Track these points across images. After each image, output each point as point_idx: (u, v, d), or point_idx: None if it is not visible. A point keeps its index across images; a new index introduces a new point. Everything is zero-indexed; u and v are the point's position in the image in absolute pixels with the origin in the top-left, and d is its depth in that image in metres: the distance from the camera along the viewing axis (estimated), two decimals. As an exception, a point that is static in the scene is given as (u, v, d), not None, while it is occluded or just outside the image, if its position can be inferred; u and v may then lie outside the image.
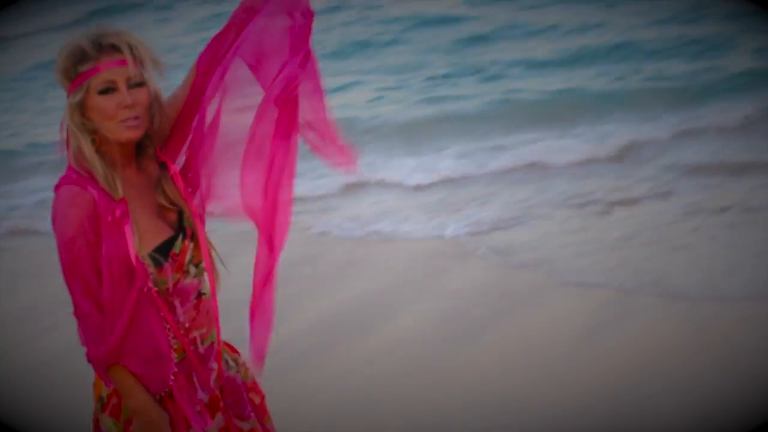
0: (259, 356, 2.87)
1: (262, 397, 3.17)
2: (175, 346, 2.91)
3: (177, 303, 2.91)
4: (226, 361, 3.09)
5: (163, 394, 2.90)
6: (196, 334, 2.96)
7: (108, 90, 2.80)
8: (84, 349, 2.88)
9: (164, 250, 2.87)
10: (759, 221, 7.10)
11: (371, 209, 8.34)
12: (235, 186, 2.87)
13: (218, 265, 2.99)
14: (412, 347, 5.79)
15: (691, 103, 10.10)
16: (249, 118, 2.87)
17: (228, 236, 6.11)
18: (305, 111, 2.87)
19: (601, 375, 5.27)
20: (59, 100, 3.09)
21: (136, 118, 2.81)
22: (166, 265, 2.86)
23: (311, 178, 9.11)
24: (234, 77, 2.88)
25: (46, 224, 7.14)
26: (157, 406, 2.88)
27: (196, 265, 2.94)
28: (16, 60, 15.98)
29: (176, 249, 2.89)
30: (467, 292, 6.44)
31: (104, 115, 2.80)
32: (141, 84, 2.82)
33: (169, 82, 3.00)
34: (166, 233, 2.89)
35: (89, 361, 2.85)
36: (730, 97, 10.09)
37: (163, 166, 2.92)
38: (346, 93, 11.91)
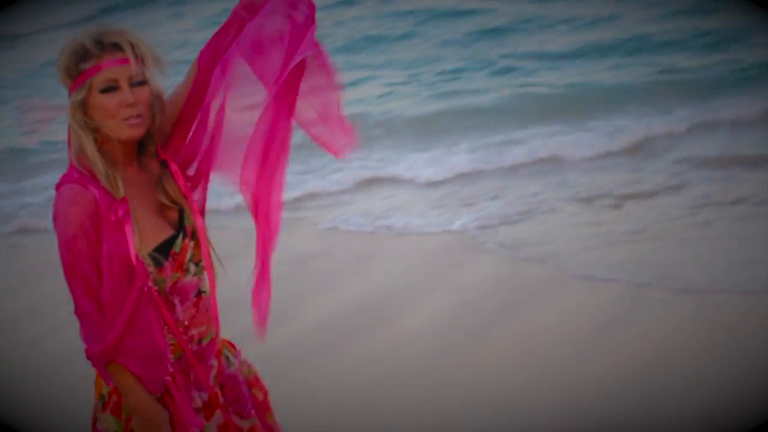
0: (262, 318, 2.88)
1: (265, 393, 3.16)
2: (173, 345, 2.91)
3: (177, 301, 2.91)
4: (227, 358, 3.09)
5: (162, 392, 2.91)
6: (195, 332, 2.96)
7: (110, 88, 2.80)
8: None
9: (164, 249, 2.87)
10: (772, 214, 7.08)
11: (383, 204, 8.34)
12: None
13: (216, 264, 2.99)
14: (423, 342, 5.79)
15: (705, 96, 10.06)
16: (253, 115, 2.88)
17: (238, 234, 6.13)
18: (311, 85, 2.89)
19: (612, 369, 5.26)
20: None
21: (138, 116, 2.81)
22: (166, 265, 2.87)
23: (323, 174, 9.13)
24: (236, 75, 2.88)
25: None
26: (156, 404, 2.88)
27: (197, 264, 2.94)
28: (29, 57, 16.03)
29: (176, 248, 2.89)
30: (479, 286, 6.43)
31: (106, 113, 2.80)
32: (143, 82, 2.83)
33: (179, 78, 3.01)
34: (166, 232, 2.89)
35: (88, 357, 2.86)
36: (744, 90, 10.06)
37: (164, 164, 2.92)
38: (358, 88, 11.90)
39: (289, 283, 6.62)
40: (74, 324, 2.89)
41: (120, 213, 2.77)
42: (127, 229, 2.78)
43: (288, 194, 8.63)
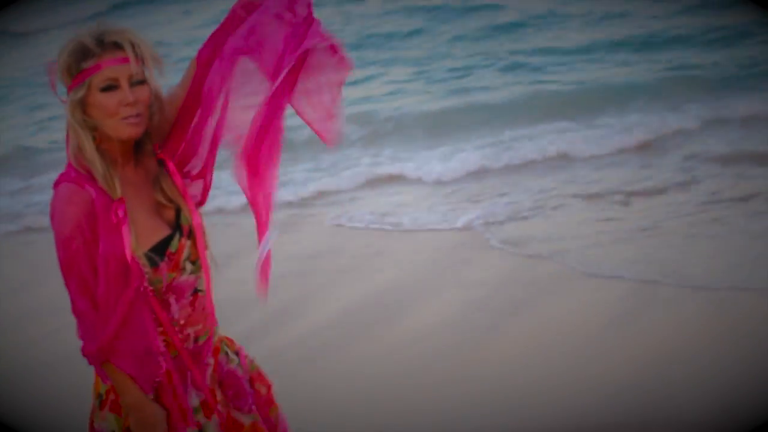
0: (263, 273, 2.90)
1: (269, 387, 3.17)
2: (168, 345, 2.91)
3: (172, 300, 2.92)
4: (226, 354, 3.10)
5: (158, 391, 2.90)
6: (191, 330, 2.96)
7: (110, 87, 2.80)
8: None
9: (160, 249, 2.87)
10: (782, 211, 7.06)
11: (392, 201, 8.35)
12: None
13: (211, 263, 2.99)
14: (432, 338, 5.80)
15: (715, 93, 10.04)
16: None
17: (245, 232, 6.12)
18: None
19: (620, 366, 5.26)
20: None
21: (137, 115, 2.82)
22: (162, 264, 2.87)
23: (333, 171, 9.14)
24: (239, 75, 2.88)
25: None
26: (152, 402, 2.88)
27: (193, 262, 2.94)
28: (38, 55, 16.05)
29: (173, 247, 2.90)
30: (487, 283, 6.44)
31: (105, 112, 2.80)
32: (142, 82, 2.83)
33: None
34: (163, 231, 2.89)
35: (84, 355, 2.86)
36: (754, 86, 10.04)
37: (162, 164, 2.92)
38: (367, 85, 11.91)
39: (299, 280, 6.63)
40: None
41: (120, 214, 2.77)
42: (124, 230, 2.78)
43: (297, 191, 8.64)
